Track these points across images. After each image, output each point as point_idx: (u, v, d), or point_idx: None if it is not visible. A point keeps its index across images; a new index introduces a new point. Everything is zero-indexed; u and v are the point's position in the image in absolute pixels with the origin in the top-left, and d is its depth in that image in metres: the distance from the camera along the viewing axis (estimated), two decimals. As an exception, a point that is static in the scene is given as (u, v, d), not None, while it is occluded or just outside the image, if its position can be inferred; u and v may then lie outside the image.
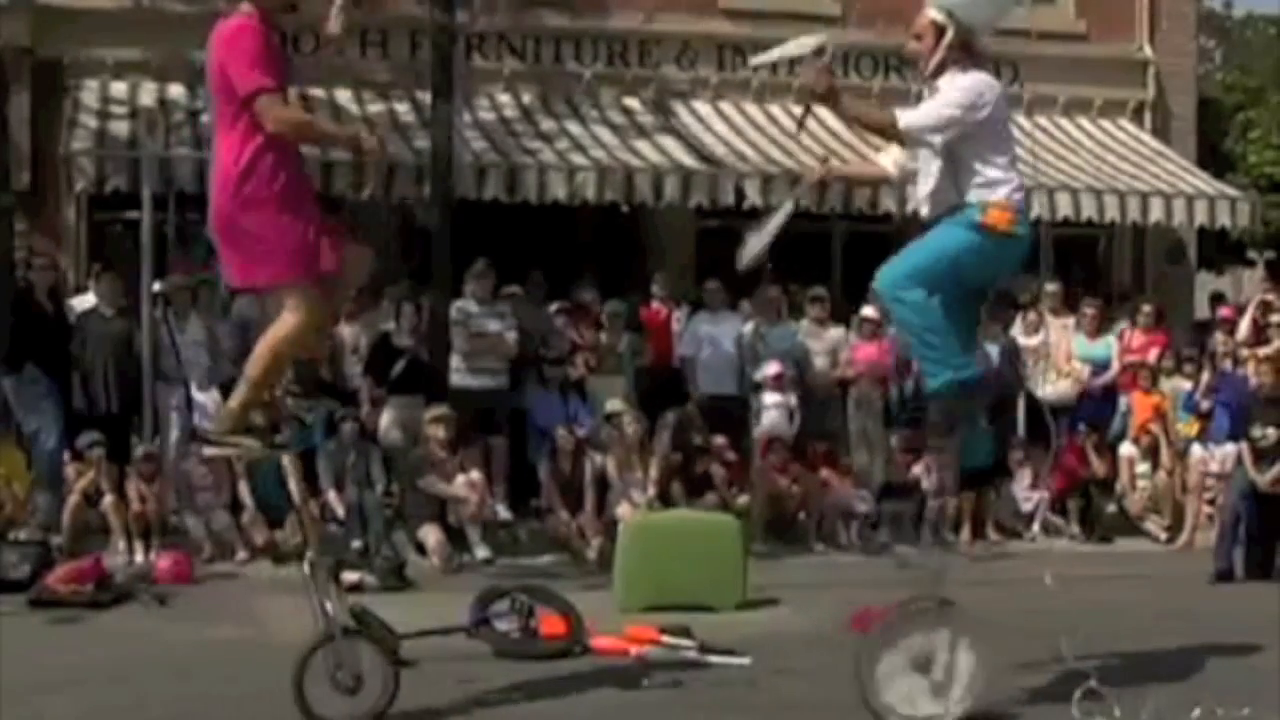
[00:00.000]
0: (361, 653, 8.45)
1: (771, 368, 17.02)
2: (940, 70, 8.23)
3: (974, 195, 8.15)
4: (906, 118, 8.18)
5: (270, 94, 7.91)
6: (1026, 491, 16.93)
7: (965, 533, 16.40)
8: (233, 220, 8.04)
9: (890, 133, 8.35)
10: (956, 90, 8.11)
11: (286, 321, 8.16)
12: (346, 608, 8.57)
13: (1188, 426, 17.41)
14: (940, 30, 8.20)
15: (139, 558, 14.26)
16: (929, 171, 8.39)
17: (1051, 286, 18.52)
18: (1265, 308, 18.95)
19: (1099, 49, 22.98)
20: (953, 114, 8.09)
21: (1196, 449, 17.09)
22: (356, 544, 14.49)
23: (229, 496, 14.92)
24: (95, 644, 11.22)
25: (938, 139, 8.14)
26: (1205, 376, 17.50)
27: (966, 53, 8.21)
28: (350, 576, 13.24)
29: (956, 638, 8.29)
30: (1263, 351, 17.32)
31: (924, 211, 8.51)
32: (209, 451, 9.93)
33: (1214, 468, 16.73)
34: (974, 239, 8.19)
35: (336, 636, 8.40)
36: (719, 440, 16.28)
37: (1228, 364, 17.74)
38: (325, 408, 14.85)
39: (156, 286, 15.96)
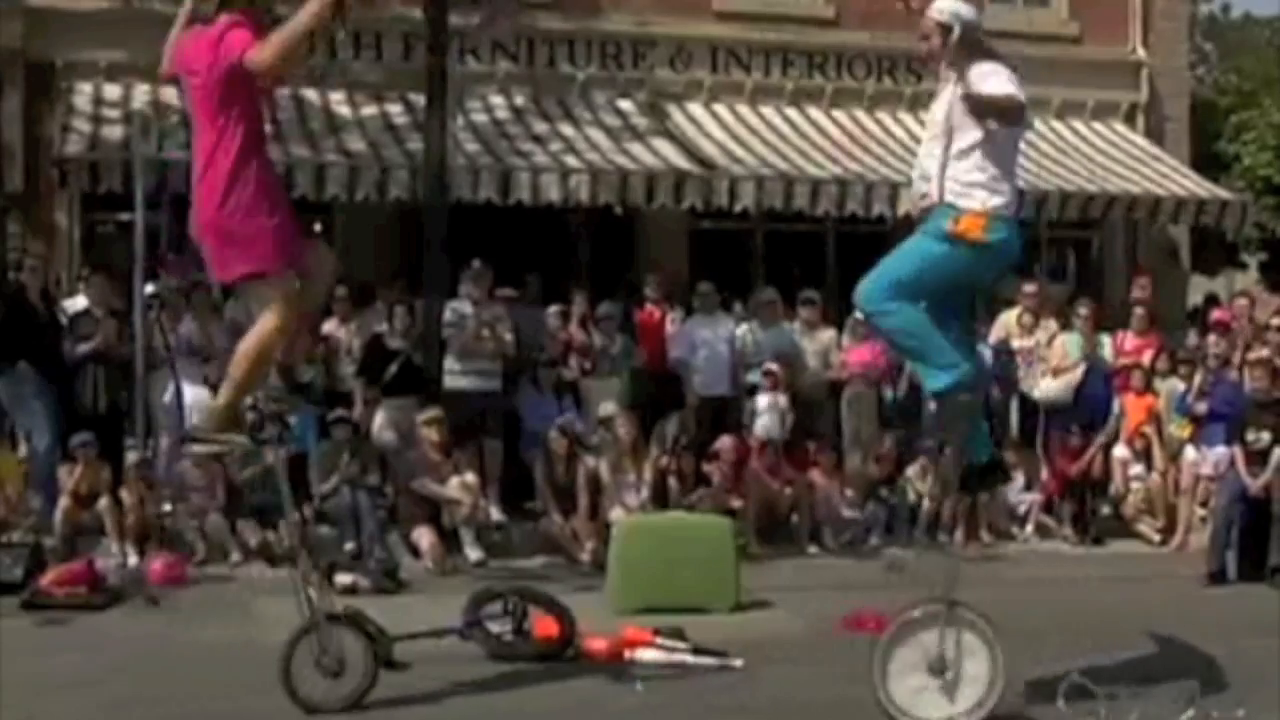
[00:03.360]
0: (344, 638, 8.87)
1: (766, 366, 17.04)
2: (950, 68, 8.23)
3: (951, 197, 8.12)
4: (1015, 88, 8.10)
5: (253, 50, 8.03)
6: (1020, 493, 16.93)
7: (959, 534, 16.39)
8: (218, 222, 8.17)
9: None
10: (996, 74, 8.10)
11: (267, 321, 8.36)
12: (330, 596, 9.03)
13: (1180, 428, 17.40)
14: (948, 30, 8.22)
15: (132, 559, 14.23)
16: (919, 163, 8.40)
17: (1029, 286, 18.47)
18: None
19: (1092, 51, 23.03)
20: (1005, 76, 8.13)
21: (1190, 451, 17.08)
22: (350, 546, 14.45)
23: (223, 498, 14.90)
24: (88, 646, 11.20)
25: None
26: (1198, 378, 17.49)
27: (976, 49, 8.22)
28: (344, 579, 13.30)
29: (966, 638, 8.32)
30: (1252, 355, 17.34)
31: (917, 200, 8.50)
32: (196, 449, 10.06)
33: (1207, 470, 16.72)
34: (944, 249, 8.17)
35: (320, 623, 8.81)
36: (724, 443, 16.21)
37: (1231, 370, 17.67)
38: (305, 410, 14.87)
39: (150, 288, 15.93)
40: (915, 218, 8.51)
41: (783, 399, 17.12)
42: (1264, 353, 17.32)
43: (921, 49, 8.41)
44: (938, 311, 8.30)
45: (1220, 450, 16.43)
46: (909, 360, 8.49)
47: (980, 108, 8.01)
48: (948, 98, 8.22)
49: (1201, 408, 17.12)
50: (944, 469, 9.10)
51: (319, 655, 8.76)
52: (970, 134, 8.12)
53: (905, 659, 8.37)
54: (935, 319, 8.25)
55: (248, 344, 8.50)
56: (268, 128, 8.68)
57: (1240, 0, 47.72)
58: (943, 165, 8.15)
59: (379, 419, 16.20)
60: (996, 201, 8.16)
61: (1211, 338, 18.25)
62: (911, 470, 16.70)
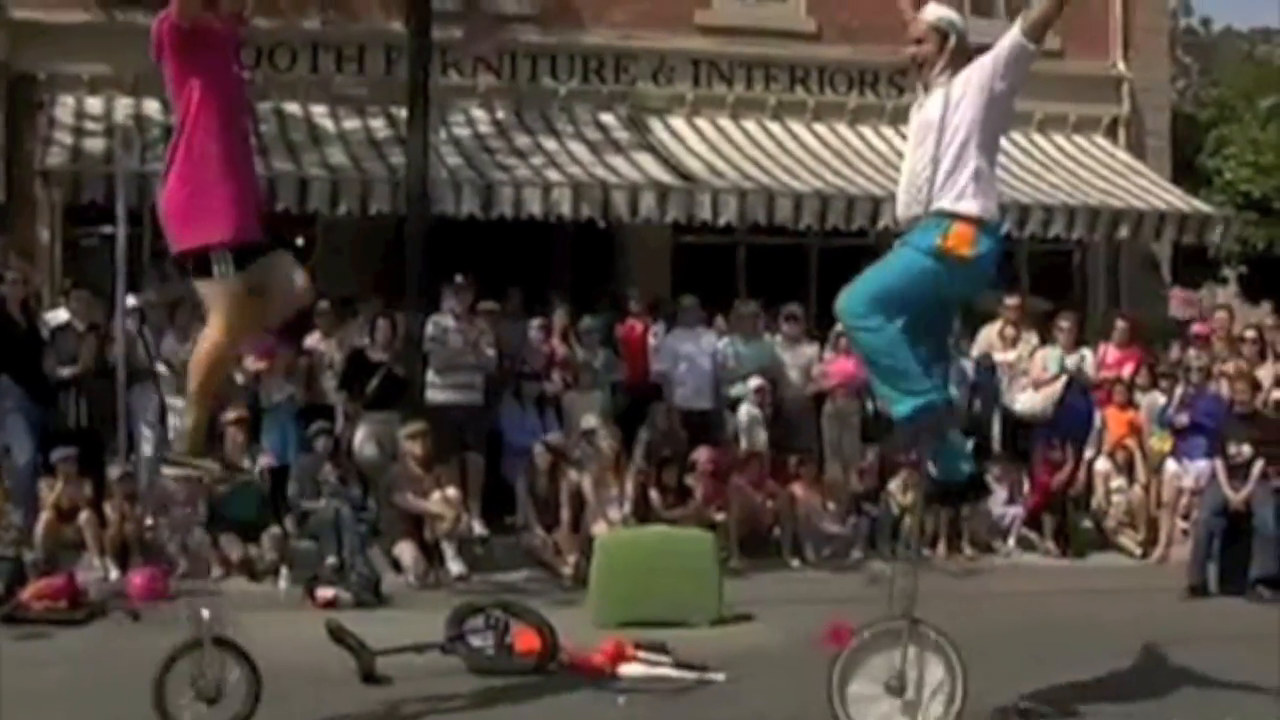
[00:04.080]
0: (227, 663, 8.51)
1: (754, 381, 17.07)
2: (942, 74, 8.19)
3: (944, 202, 8.05)
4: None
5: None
6: (1002, 506, 16.95)
7: (941, 547, 16.41)
8: (168, 198, 8.04)
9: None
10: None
11: (210, 328, 8.14)
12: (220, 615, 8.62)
13: (1162, 442, 17.44)
14: (944, 35, 8.22)
15: (113, 574, 14.19)
16: (906, 173, 8.34)
17: (1011, 300, 18.50)
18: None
19: (1074, 65, 23.05)
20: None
21: (1171, 465, 17.13)
22: (331, 560, 14.44)
23: (204, 512, 14.87)
24: (68, 661, 11.18)
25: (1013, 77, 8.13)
26: (1179, 392, 17.54)
27: (965, 58, 8.22)
28: (325, 593, 13.29)
29: (927, 656, 8.29)
30: (1230, 367, 17.41)
31: (899, 212, 8.46)
32: (170, 472, 9.94)
33: (1188, 483, 16.77)
34: (929, 264, 8.07)
35: (205, 644, 8.45)
36: (702, 454, 16.24)
37: (1212, 384, 17.71)
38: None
39: (132, 301, 15.94)
40: (901, 227, 8.44)
41: (766, 412, 17.14)
42: (1241, 364, 17.39)
43: (914, 52, 8.32)
44: (914, 325, 8.21)
45: (1201, 463, 16.49)
46: (876, 379, 8.33)
47: (1047, 22, 8.03)
48: (940, 101, 8.13)
49: (1183, 420, 17.17)
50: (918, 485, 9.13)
51: (197, 677, 8.40)
52: (963, 134, 8.05)
53: (864, 679, 8.31)
54: (910, 334, 8.20)
55: (195, 356, 8.30)
56: (253, 133, 8.52)
57: (1220, 12, 47.83)
58: (934, 167, 8.07)
59: (360, 433, 16.20)
60: (989, 205, 8.11)
61: (1192, 351, 18.31)
62: (894, 484, 16.70)
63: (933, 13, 8.32)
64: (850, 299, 8.23)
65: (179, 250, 8.11)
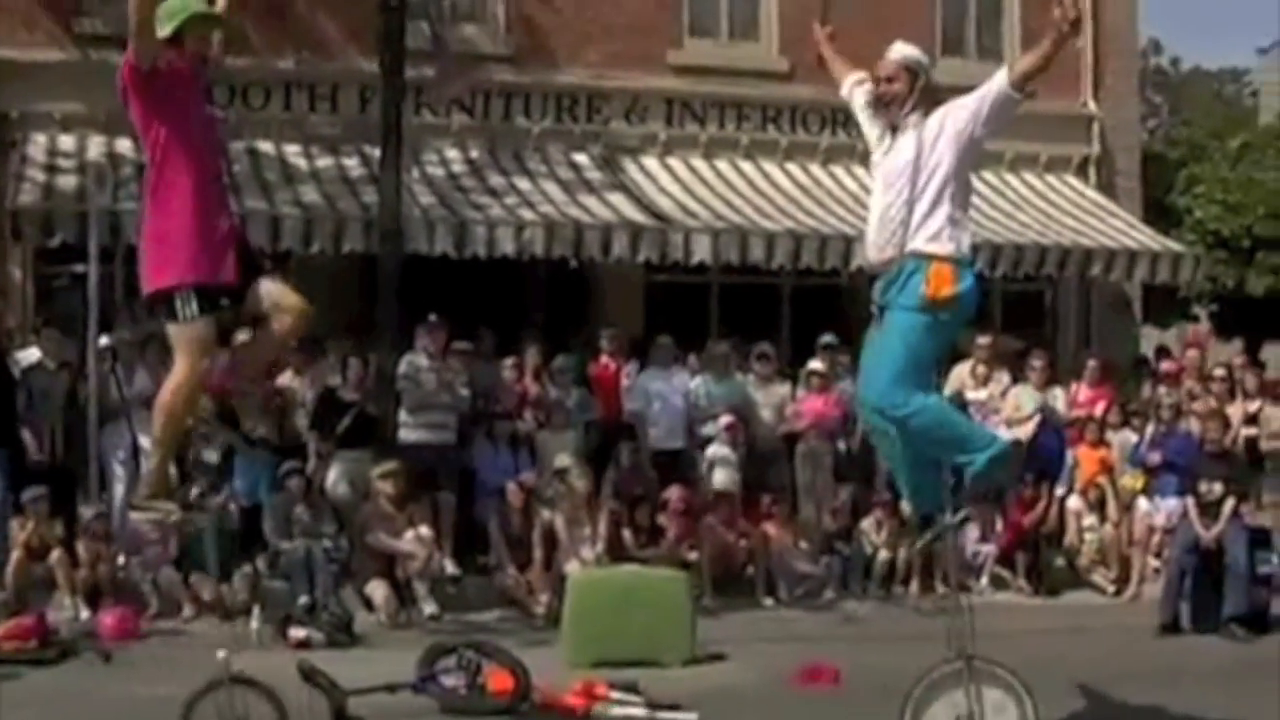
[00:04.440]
0: (250, 701, 8.49)
1: (725, 418, 17.08)
2: (912, 114, 8.16)
3: (919, 243, 8.00)
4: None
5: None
6: (975, 545, 16.96)
7: (914, 586, 16.42)
8: (142, 240, 7.95)
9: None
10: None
11: (175, 371, 7.97)
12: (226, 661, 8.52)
13: (1134, 480, 17.49)
14: (915, 74, 8.20)
15: (84, 614, 14.13)
16: (877, 214, 8.29)
17: (983, 339, 18.52)
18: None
19: (1044, 104, 22.99)
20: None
21: (1143, 503, 17.18)
22: (304, 600, 14.41)
23: (175, 551, 14.82)
24: (39, 702, 11.13)
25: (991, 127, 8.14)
26: (1150, 430, 17.60)
27: (932, 98, 8.21)
28: (298, 632, 13.25)
29: (990, 691, 8.27)
30: (1199, 405, 17.50)
31: (870, 255, 8.42)
32: (134, 515, 9.89)
33: (1160, 521, 16.83)
34: (926, 320, 8.03)
35: (225, 683, 8.43)
36: (673, 493, 16.23)
37: (1183, 422, 17.76)
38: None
39: (104, 340, 15.90)
40: (875, 269, 8.39)
41: (738, 452, 17.16)
42: (1211, 403, 17.47)
43: (883, 91, 8.26)
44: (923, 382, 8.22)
45: (1173, 501, 16.55)
46: (946, 452, 8.19)
47: (1036, 74, 8.00)
48: (912, 143, 8.10)
49: (1155, 458, 17.23)
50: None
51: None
52: (939, 177, 8.02)
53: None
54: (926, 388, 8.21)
55: (160, 398, 8.14)
56: (227, 173, 8.38)
57: (1189, 52, 48.22)
58: (909, 209, 8.04)
59: (333, 472, 16.16)
60: (965, 242, 8.10)
61: (1162, 389, 18.39)
62: (866, 522, 16.73)
63: (902, 51, 8.30)
64: (879, 395, 8.10)
65: (146, 291, 8.07)
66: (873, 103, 8.47)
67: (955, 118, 8.07)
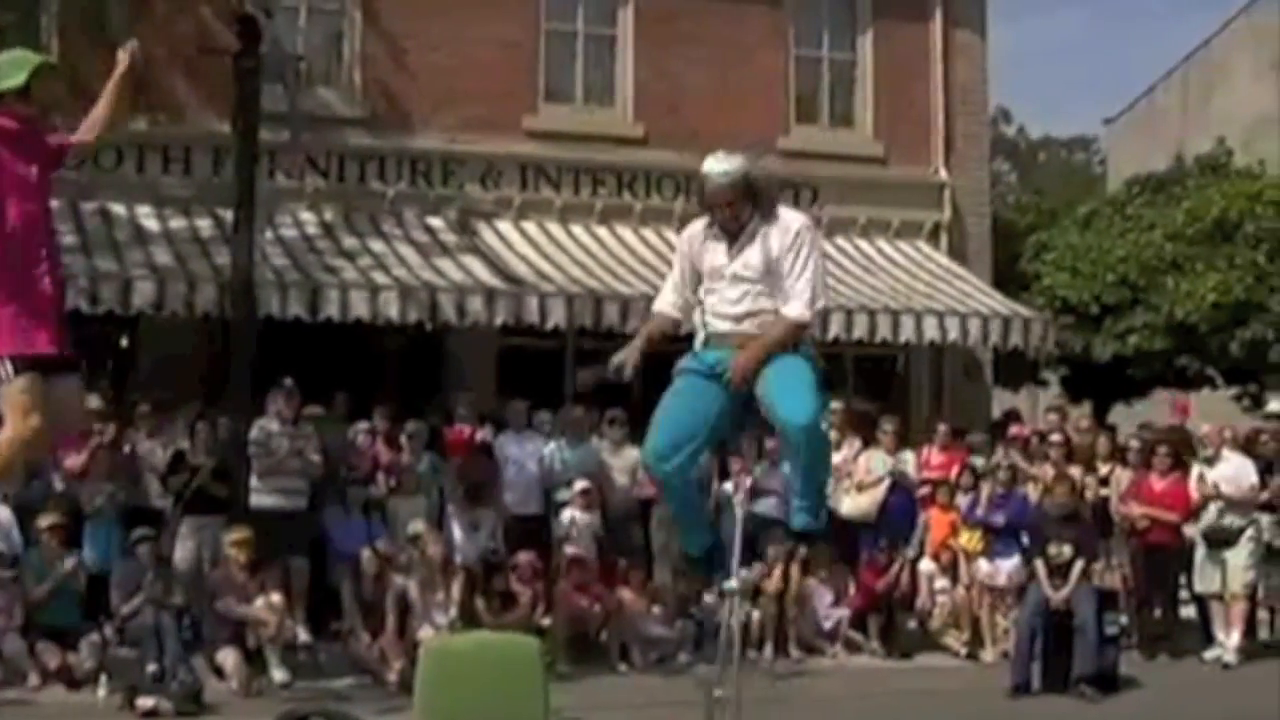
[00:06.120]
0: None
1: (580, 484, 17.05)
2: (752, 219, 7.79)
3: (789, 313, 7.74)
4: (799, 311, 7.78)
5: None
6: (828, 608, 17.05)
7: (768, 650, 16.46)
8: None
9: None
10: (806, 243, 7.79)
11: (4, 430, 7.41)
12: None
13: (970, 541, 17.64)
14: (750, 187, 7.78)
15: (-76, 685, 13.85)
16: (728, 307, 8.01)
17: (835, 403, 18.62)
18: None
19: (897, 172, 23.49)
20: (821, 268, 7.91)
21: (983, 564, 17.38)
22: (152, 668, 14.16)
23: (20, 618, 14.54)
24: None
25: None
26: (985, 490, 17.77)
27: (772, 194, 7.91)
28: (146, 701, 13.05)
29: None
30: (1034, 471, 17.82)
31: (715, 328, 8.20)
32: None
33: (1001, 581, 17.05)
34: (811, 356, 7.89)
35: None
36: (525, 557, 16.20)
37: (1022, 484, 17.98)
38: None
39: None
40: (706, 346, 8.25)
41: (593, 516, 17.14)
42: (1048, 468, 17.73)
43: (725, 219, 7.83)
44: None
45: (1014, 561, 16.78)
46: (807, 487, 8.10)
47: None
48: (759, 255, 7.78)
49: (998, 520, 17.43)
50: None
51: None
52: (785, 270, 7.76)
53: None
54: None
55: None
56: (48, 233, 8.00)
57: (1037, 121, 49.12)
58: (760, 303, 7.82)
59: (182, 537, 15.95)
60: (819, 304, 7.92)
61: (1000, 451, 18.63)
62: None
63: (721, 169, 7.79)
64: (810, 407, 7.75)
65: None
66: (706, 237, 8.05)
67: (780, 243, 7.79)
